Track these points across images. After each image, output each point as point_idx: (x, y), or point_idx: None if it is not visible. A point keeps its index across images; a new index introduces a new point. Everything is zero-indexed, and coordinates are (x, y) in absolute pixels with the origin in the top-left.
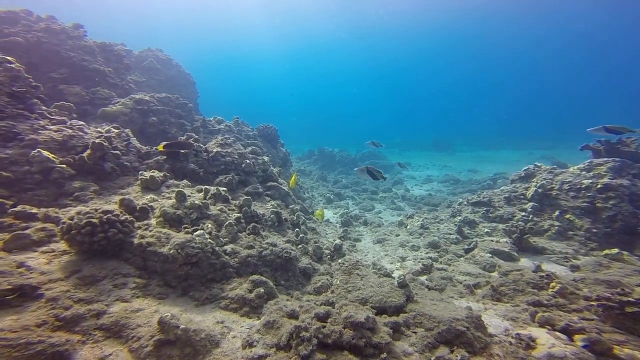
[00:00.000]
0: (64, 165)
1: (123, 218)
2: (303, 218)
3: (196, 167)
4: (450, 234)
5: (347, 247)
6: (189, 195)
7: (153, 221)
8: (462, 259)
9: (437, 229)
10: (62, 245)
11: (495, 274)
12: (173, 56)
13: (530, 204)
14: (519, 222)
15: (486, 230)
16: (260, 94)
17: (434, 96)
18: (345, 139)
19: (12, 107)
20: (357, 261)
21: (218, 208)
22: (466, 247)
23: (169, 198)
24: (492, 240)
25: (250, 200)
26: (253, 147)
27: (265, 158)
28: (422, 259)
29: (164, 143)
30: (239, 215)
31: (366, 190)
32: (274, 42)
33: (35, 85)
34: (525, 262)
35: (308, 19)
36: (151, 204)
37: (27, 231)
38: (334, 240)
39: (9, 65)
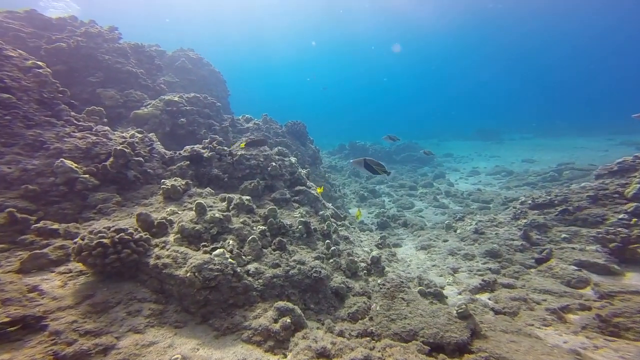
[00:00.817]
0: (87, 176)
1: (137, 237)
2: (335, 226)
3: (220, 173)
4: (513, 240)
5: (386, 257)
6: (210, 206)
7: (171, 237)
8: (532, 270)
9: (496, 233)
10: (79, 265)
11: (588, 292)
12: (205, 55)
13: (633, 204)
14: (618, 228)
15: (563, 235)
16: (291, 89)
17: (478, 85)
18: (380, 132)
19: (40, 114)
20: (401, 282)
21: (241, 220)
22: (537, 255)
23: (191, 209)
24: (573, 249)
25: (275, 211)
26: (279, 148)
27: (293, 159)
28: (479, 270)
29: (244, 140)
30: (263, 228)
31: (404, 186)
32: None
33: (63, 90)
34: (635, 279)
35: (343, 14)
36: (170, 217)
37: (45, 249)
38: (371, 251)
39: (38, 70)
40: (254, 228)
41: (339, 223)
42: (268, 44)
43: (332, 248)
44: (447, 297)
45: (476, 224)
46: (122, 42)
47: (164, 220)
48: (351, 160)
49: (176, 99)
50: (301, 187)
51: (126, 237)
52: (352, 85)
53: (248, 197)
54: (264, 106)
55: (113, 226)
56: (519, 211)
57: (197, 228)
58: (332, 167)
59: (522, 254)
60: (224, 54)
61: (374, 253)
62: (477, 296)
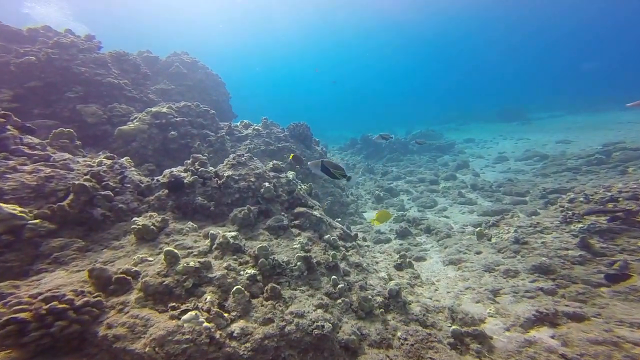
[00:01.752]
0: (37, 221)
1: (81, 302)
2: (343, 252)
3: (205, 201)
4: (567, 250)
5: (408, 281)
6: (189, 248)
7: (133, 296)
8: (604, 290)
9: (542, 242)
10: None
11: None
12: (204, 58)
13: None
14: None
15: None
16: (301, 83)
17: (495, 61)
18: (394, 121)
19: None
20: (428, 334)
21: (225, 265)
22: (607, 270)
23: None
24: None
25: (266, 249)
26: (274, 162)
27: (290, 174)
28: (527, 292)
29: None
30: (253, 271)
31: (423, 180)
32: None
33: (5, 114)
34: None
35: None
36: (137, 267)
37: None
38: (388, 277)
39: None
40: (241, 273)
41: (349, 245)
42: (274, 37)
43: (340, 286)
44: (492, 338)
45: (515, 231)
46: (102, 51)
47: (123, 276)
48: (310, 163)
49: (164, 110)
50: (301, 209)
51: (61, 306)
52: (364, 75)
53: (233, 234)
54: (272, 104)
55: (44, 293)
56: (569, 214)
57: (166, 282)
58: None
59: (584, 267)
60: (232, 53)
61: (392, 284)
62: (534, 333)
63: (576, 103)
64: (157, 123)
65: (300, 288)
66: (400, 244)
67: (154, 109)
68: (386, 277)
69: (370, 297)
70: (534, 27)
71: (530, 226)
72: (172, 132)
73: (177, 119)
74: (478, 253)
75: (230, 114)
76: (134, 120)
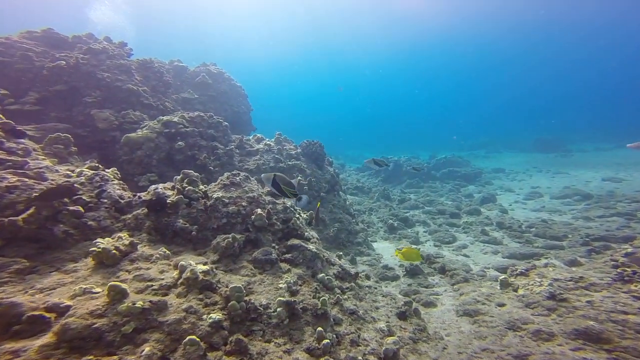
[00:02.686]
0: None
1: None
2: (337, 295)
3: (187, 224)
4: (626, 314)
5: (411, 335)
6: (150, 280)
7: (40, 341)
8: None
9: (588, 301)
10: None
11: None
12: (231, 70)
13: None
14: None
15: None
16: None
17: (534, 88)
18: (419, 144)
19: None
20: None
21: (185, 306)
22: None
23: (124, 281)
24: None
25: (240, 291)
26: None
27: (288, 201)
28: None
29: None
30: (219, 316)
31: (443, 213)
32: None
33: None
34: None
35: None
36: (69, 302)
37: None
38: (388, 331)
39: None
40: (204, 317)
41: (347, 286)
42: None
43: (325, 341)
44: None
45: (550, 284)
46: (131, 58)
47: (40, 314)
48: (262, 176)
49: (175, 119)
50: (295, 242)
51: None
52: (390, 95)
53: (205, 269)
54: (291, 120)
55: None
56: (630, 270)
57: (97, 325)
58: (359, 188)
59: None
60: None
61: (390, 342)
62: None
63: (629, 134)
64: (166, 132)
65: (276, 340)
66: (409, 284)
67: (165, 118)
68: (385, 329)
69: (360, 358)
70: (581, 53)
71: (570, 280)
72: (180, 143)
73: (187, 129)
74: (500, 305)
75: (249, 127)
76: (144, 128)
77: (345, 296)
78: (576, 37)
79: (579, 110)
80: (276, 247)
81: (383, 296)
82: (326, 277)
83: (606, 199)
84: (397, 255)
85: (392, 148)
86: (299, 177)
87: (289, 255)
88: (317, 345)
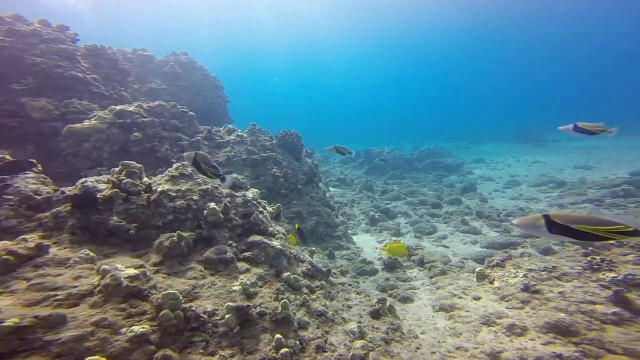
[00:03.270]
0: None
1: None
2: (305, 295)
3: (122, 221)
4: (594, 304)
5: (383, 335)
6: (56, 289)
7: None
8: None
9: (560, 292)
10: None
11: None
12: (210, 64)
13: None
14: None
15: None
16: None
17: (513, 82)
18: (404, 136)
19: None
20: None
21: (95, 319)
22: None
23: (15, 292)
24: None
25: (175, 298)
26: (235, 177)
27: (250, 194)
28: (539, 359)
29: None
30: (143, 329)
31: (425, 203)
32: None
33: None
34: None
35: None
36: None
37: None
38: (359, 332)
39: None
40: (122, 331)
41: (317, 284)
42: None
43: (284, 351)
44: None
45: (524, 275)
46: (71, 43)
47: None
48: (184, 154)
49: (131, 108)
50: (256, 238)
51: None
52: (376, 88)
53: (133, 273)
54: (276, 113)
55: None
56: (599, 258)
57: None
58: (341, 180)
59: (622, 330)
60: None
61: (358, 347)
62: None
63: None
64: (119, 123)
65: (221, 352)
66: (386, 279)
67: (118, 107)
68: (356, 330)
69: None
70: (556, 44)
71: (544, 270)
72: (136, 134)
73: (146, 120)
74: (476, 299)
75: (226, 119)
76: (92, 119)
77: (314, 296)
78: (551, 27)
79: (553, 103)
80: (234, 244)
81: (357, 293)
82: (292, 276)
83: (578, 185)
84: (383, 252)
85: (378, 140)
86: (274, 170)
87: (249, 253)
88: (274, 355)
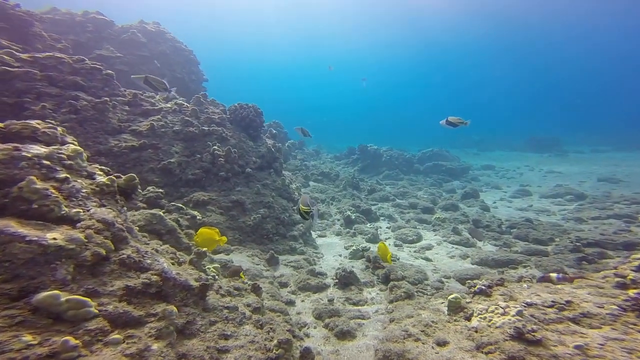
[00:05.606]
0: None
1: None
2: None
3: None
4: None
5: None
6: None
7: None
8: None
9: (576, 346)
10: None
11: None
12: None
13: None
14: None
15: None
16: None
17: (529, 88)
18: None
19: None
20: None
21: None
22: None
23: None
24: None
25: None
26: None
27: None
28: None
29: None
30: None
31: (415, 207)
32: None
33: None
34: None
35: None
36: None
37: None
38: None
39: None
40: None
41: (155, 311)
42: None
43: None
44: None
45: (518, 312)
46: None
47: None
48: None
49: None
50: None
51: None
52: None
53: None
54: (284, 104)
55: None
56: None
57: None
58: (325, 174)
59: None
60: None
61: None
62: None
63: (629, 139)
64: None
65: None
66: (330, 300)
67: None
68: None
69: None
70: (578, 51)
71: (551, 305)
72: None
73: (13, 69)
74: (440, 344)
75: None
76: None
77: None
78: (574, 31)
79: (576, 111)
80: None
81: (257, 326)
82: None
83: (601, 199)
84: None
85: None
86: (214, 147)
87: None
88: None
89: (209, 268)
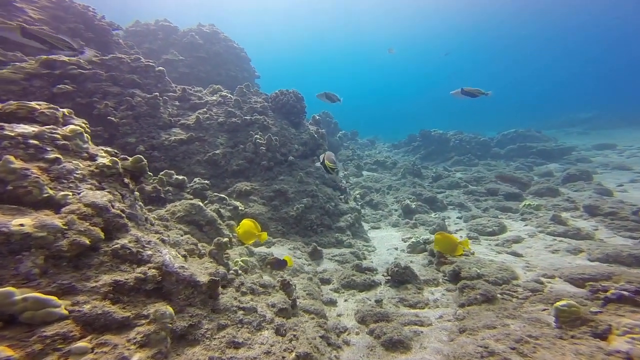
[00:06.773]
0: None
1: None
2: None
3: None
4: None
5: None
6: None
7: None
8: None
9: None
10: None
11: None
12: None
13: None
14: None
15: None
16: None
17: None
18: (485, 123)
19: None
20: None
21: None
22: None
23: None
24: None
25: None
26: None
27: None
28: None
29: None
30: None
31: (494, 193)
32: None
33: None
34: None
35: None
36: None
37: None
38: None
39: None
40: None
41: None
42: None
43: None
44: None
45: None
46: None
47: None
48: None
49: (65, 59)
50: None
51: None
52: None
53: None
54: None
55: None
56: None
57: None
58: (380, 163)
59: None
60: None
61: None
62: None
63: None
64: (46, 73)
65: None
66: (378, 301)
67: (45, 57)
68: None
69: None
70: None
71: None
72: (61, 86)
73: (85, 71)
74: None
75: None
76: (5, 69)
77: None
78: None
79: None
80: None
81: (278, 333)
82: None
83: None
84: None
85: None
86: (256, 136)
87: None
88: None
89: (236, 261)
